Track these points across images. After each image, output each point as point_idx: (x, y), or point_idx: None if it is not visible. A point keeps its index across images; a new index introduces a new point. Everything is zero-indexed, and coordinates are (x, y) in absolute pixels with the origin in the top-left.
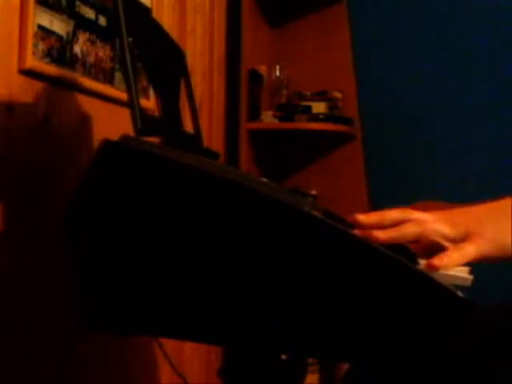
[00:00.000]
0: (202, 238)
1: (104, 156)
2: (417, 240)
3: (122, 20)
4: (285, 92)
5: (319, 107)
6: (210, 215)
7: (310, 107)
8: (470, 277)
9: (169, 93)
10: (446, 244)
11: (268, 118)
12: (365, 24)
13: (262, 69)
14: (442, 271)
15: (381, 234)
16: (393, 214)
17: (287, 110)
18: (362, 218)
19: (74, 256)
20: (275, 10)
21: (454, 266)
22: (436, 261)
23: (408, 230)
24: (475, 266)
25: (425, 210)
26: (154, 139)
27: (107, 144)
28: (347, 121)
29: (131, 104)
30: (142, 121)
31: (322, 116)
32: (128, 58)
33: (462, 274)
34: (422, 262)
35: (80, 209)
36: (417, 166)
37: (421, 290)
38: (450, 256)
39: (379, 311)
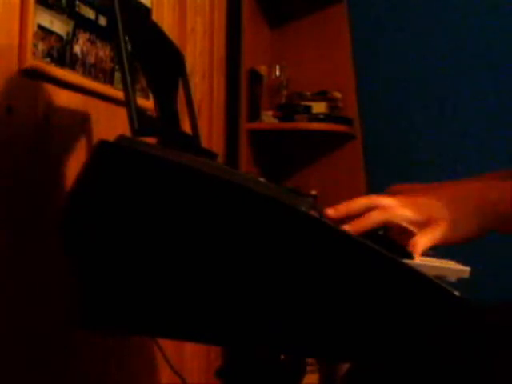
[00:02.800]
0: (199, 239)
1: (100, 156)
2: (384, 225)
3: (118, 19)
4: (285, 92)
5: (319, 107)
6: (207, 216)
7: (310, 107)
8: (467, 268)
9: (167, 93)
10: (411, 228)
11: (268, 118)
12: (365, 24)
13: (262, 69)
14: (437, 264)
15: (349, 228)
16: (359, 203)
17: (287, 110)
18: (331, 211)
19: (73, 256)
20: (275, 10)
21: (423, 250)
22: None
23: (374, 217)
24: (475, 266)
25: (398, 193)
26: (152, 139)
27: (103, 144)
28: (347, 121)
29: (128, 104)
30: (139, 121)
31: (322, 116)
32: (124, 57)
33: (459, 265)
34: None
35: (77, 209)
36: (417, 166)
37: (418, 289)
38: (418, 242)
39: (377, 310)
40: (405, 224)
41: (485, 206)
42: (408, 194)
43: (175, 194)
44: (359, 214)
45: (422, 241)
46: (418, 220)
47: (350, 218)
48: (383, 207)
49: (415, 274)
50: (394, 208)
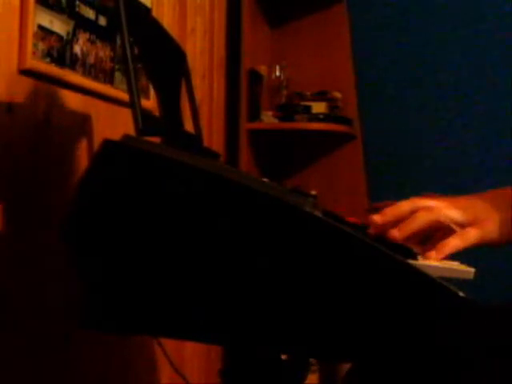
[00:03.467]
0: (202, 238)
1: (105, 156)
2: (430, 226)
3: (123, 19)
4: (285, 92)
5: (319, 107)
6: (210, 215)
7: (309, 107)
8: (472, 269)
9: (169, 93)
10: (456, 228)
11: (268, 118)
12: (365, 24)
13: (262, 69)
14: (442, 265)
15: (396, 233)
16: (405, 207)
17: (287, 110)
18: (377, 218)
19: (75, 256)
20: (275, 10)
21: (454, 251)
22: (433, 253)
23: (422, 218)
24: (478, 266)
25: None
26: (155, 139)
27: (108, 144)
28: (347, 121)
29: (132, 104)
30: (143, 121)
31: (321, 116)
32: (129, 57)
33: (464, 266)
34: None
35: (81, 209)
36: (417, 166)
37: (422, 289)
38: (448, 243)
39: (379, 310)
40: (451, 224)
41: None
42: (451, 197)
43: (179, 193)
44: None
45: (454, 243)
46: (464, 221)
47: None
48: (429, 208)
49: (419, 274)
50: (440, 208)
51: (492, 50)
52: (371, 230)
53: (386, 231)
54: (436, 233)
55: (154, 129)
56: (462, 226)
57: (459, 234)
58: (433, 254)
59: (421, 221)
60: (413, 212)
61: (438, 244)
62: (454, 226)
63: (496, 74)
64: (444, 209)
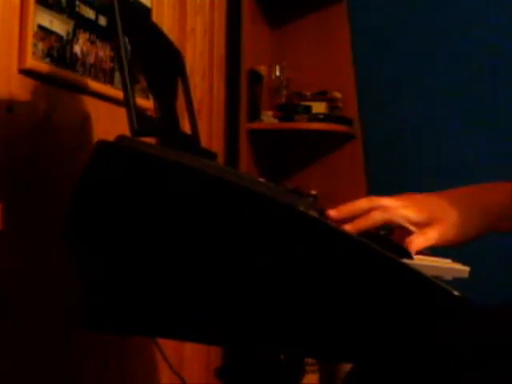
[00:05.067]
0: (199, 239)
1: (100, 157)
2: (387, 226)
3: (117, 19)
4: (285, 92)
5: (319, 107)
6: (206, 216)
7: (309, 107)
8: (467, 268)
9: (166, 93)
10: (412, 228)
11: (268, 118)
12: (365, 24)
13: (262, 69)
14: (437, 264)
15: (350, 227)
16: (361, 204)
17: (287, 110)
18: (333, 213)
19: (73, 256)
20: (275, 10)
21: (418, 250)
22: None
23: (375, 217)
24: (476, 266)
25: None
26: (151, 140)
27: (103, 144)
28: (347, 121)
29: (127, 104)
30: (139, 121)
31: (321, 116)
32: (124, 58)
33: (459, 265)
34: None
35: (77, 209)
36: (417, 166)
37: (417, 289)
38: (414, 241)
39: (376, 310)
40: (406, 224)
41: (486, 205)
42: (410, 195)
43: (175, 194)
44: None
45: (418, 240)
46: (420, 220)
47: (350, 218)
48: (384, 207)
49: (414, 273)
50: (395, 208)
51: (493, 50)
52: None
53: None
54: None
55: (149, 129)
56: (419, 225)
57: (420, 233)
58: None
59: (374, 219)
60: (369, 210)
61: (404, 242)
62: (409, 226)
63: (497, 73)
64: (399, 208)
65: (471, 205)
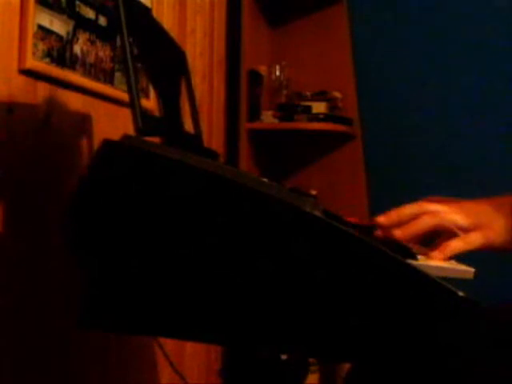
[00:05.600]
0: (202, 238)
1: (105, 156)
2: (434, 230)
3: (123, 19)
4: (285, 92)
5: (319, 107)
6: (210, 215)
7: (310, 107)
8: (472, 269)
9: (169, 92)
10: (459, 232)
11: (268, 118)
12: (365, 24)
13: (262, 69)
14: (441, 264)
15: (399, 233)
16: (410, 210)
17: (287, 110)
18: (382, 219)
19: (74, 256)
20: (275, 10)
21: (457, 253)
22: (436, 253)
23: (425, 222)
24: (477, 265)
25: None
26: (155, 139)
27: (108, 144)
28: (347, 121)
29: (132, 104)
30: (143, 120)
31: (321, 116)
32: (129, 57)
33: (464, 266)
34: (421, 258)
35: (80, 208)
36: (417, 166)
37: (422, 289)
38: (451, 245)
39: (379, 311)
40: (454, 229)
41: None
42: (457, 202)
43: (179, 193)
44: (409, 220)
45: (456, 244)
46: (467, 225)
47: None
48: (433, 212)
49: (418, 273)
50: (444, 213)
51: (493, 50)
52: (377, 232)
53: (390, 232)
54: (439, 237)
55: (153, 129)
56: (466, 230)
57: (462, 237)
58: (435, 253)
59: (424, 224)
60: (417, 215)
61: (440, 245)
62: (457, 231)
63: (498, 73)
64: (448, 214)
65: None
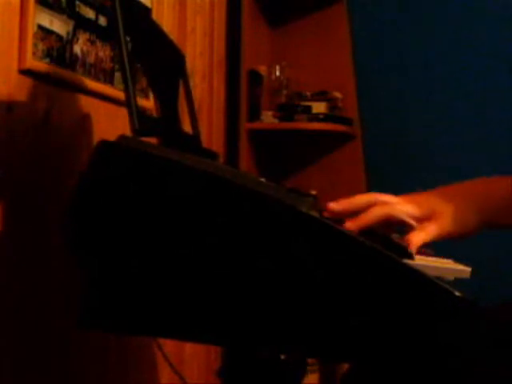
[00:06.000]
0: (200, 238)
1: (101, 156)
2: (385, 221)
3: (119, 19)
4: (285, 92)
5: (319, 107)
6: (208, 216)
7: (310, 107)
8: (468, 268)
9: (167, 93)
10: (412, 222)
11: (268, 118)
12: (365, 24)
13: (262, 69)
14: (438, 264)
15: (351, 225)
16: (361, 199)
17: (287, 110)
18: (333, 205)
19: (74, 256)
20: (275, 9)
21: (420, 245)
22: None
23: (376, 212)
24: (475, 267)
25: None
26: (152, 140)
27: (104, 144)
28: (347, 121)
29: (128, 104)
30: (140, 121)
31: (321, 116)
32: (126, 58)
33: (460, 265)
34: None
35: (79, 208)
36: (417, 166)
37: (419, 289)
38: (415, 237)
39: (377, 311)
40: (406, 219)
41: (485, 200)
42: (407, 194)
43: (177, 194)
44: (360, 210)
45: (419, 236)
46: (419, 215)
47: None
48: (384, 202)
49: (415, 273)
50: (395, 203)
51: (495, 49)
52: (325, 214)
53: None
54: (388, 228)
55: (150, 129)
56: (419, 220)
57: (420, 228)
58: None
59: (376, 215)
60: (369, 205)
61: (405, 237)
62: (410, 221)
63: (499, 73)
64: (399, 204)
65: (469, 199)
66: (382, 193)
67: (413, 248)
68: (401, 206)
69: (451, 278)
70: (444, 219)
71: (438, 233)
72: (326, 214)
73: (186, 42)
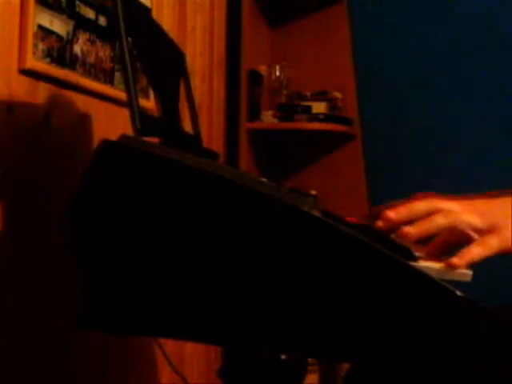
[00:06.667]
0: (201, 238)
1: (103, 156)
2: (446, 230)
3: (121, 19)
4: (285, 92)
5: (319, 107)
6: (209, 215)
7: (310, 107)
8: (470, 272)
9: (168, 93)
10: (474, 235)
11: (268, 118)
12: (365, 24)
13: (262, 69)
14: (439, 266)
15: (412, 230)
16: (421, 206)
17: (287, 110)
18: (392, 214)
19: (74, 256)
20: (275, 9)
21: (477, 260)
22: (455, 260)
23: (438, 221)
24: (475, 267)
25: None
26: (154, 139)
27: (106, 144)
28: (347, 121)
29: (130, 104)
30: (141, 121)
31: (321, 116)
32: (127, 58)
33: (462, 269)
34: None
35: (79, 209)
36: (417, 166)
37: (420, 289)
38: (471, 251)
39: (378, 310)
40: (468, 230)
41: None
42: (470, 200)
43: (178, 193)
44: (420, 218)
45: (476, 250)
46: (483, 227)
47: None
48: (446, 211)
49: (417, 273)
50: (457, 213)
51: (496, 49)
52: (380, 225)
53: (397, 229)
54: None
55: (152, 129)
56: (481, 232)
57: (480, 242)
58: (455, 260)
59: (438, 224)
60: (428, 213)
61: (459, 251)
62: (472, 233)
63: (499, 72)
64: (461, 213)
65: None
66: (440, 198)
67: (468, 259)
68: (464, 216)
69: (468, 279)
70: (507, 232)
71: (499, 248)
72: (381, 223)
73: (186, 41)
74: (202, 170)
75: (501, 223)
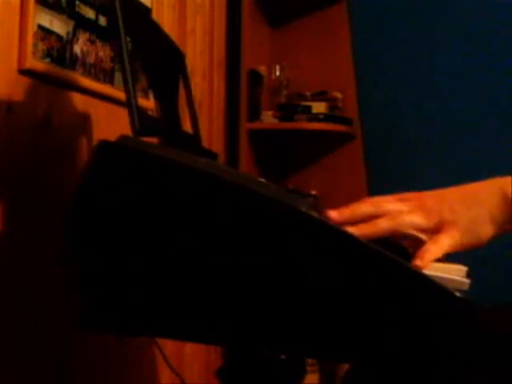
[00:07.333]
0: (200, 239)
1: (101, 156)
2: (390, 234)
3: (119, 19)
4: (285, 92)
5: (319, 107)
6: (208, 216)
7: (310, 107)
8: (468, 280)
9: (168, 93)
10: (421, 236)
11: (268, 118)
12: (365, 24)
13: (262, 69)
14: (438, 274)
15: (354, 232)
16: (364, 208)
17: (287, 110)
18: (334, 214)
19: (73, 256)
20: (275, 10)
21: (433, 260)
22: (418, 262)
23: (381, 226)
24: (475, 267)
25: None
26: (153, 139)
27: (104, 144)
28: (347, 121)
29: (129, 104)
30: (140, 121)
31: (321, 116)
32: (126, 58)
33: (459, 277)
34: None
35: (78, 209)
36: (417, 166)
37: (418, 290)
38: (426, 254)
39: (377, 311)
40: (414, 232)
41: (502, 205)
42: (416, 196)
43: (176, 194)
44: (363, 220)
45: (431, 251)
46: (428, 227)
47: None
48: (390, 214)
49: (414, 274)
50: (401, 215)
51: (496, 48)
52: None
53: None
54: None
55: (151, 129)
56: (427, 231)
57: (432, 242)
58: (418, 262)
59: (381, 228)
60: (372, 215)
61: (417, 252)
62: (417, 233)
63: (499, 72)
64: (406, 214)
65: (484, 205)
66: (385, 197)
67: (427, 261)
68: (408, 218)
69: (465, 288)
70: (456, 230)
71: (449, 246)
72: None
73: (186, 41)
74: (200, 171)
75: (447, 220)
